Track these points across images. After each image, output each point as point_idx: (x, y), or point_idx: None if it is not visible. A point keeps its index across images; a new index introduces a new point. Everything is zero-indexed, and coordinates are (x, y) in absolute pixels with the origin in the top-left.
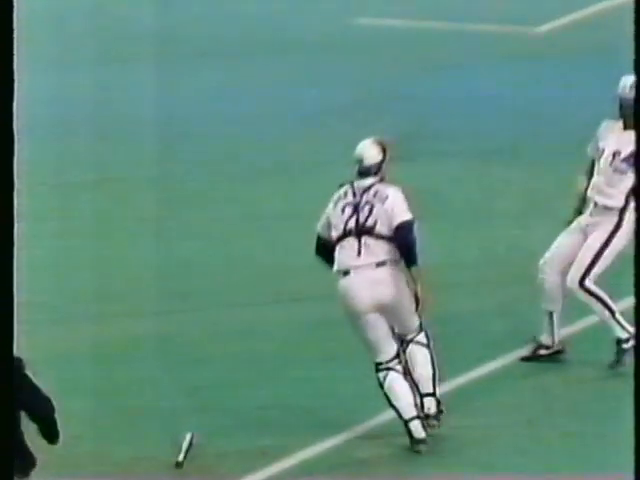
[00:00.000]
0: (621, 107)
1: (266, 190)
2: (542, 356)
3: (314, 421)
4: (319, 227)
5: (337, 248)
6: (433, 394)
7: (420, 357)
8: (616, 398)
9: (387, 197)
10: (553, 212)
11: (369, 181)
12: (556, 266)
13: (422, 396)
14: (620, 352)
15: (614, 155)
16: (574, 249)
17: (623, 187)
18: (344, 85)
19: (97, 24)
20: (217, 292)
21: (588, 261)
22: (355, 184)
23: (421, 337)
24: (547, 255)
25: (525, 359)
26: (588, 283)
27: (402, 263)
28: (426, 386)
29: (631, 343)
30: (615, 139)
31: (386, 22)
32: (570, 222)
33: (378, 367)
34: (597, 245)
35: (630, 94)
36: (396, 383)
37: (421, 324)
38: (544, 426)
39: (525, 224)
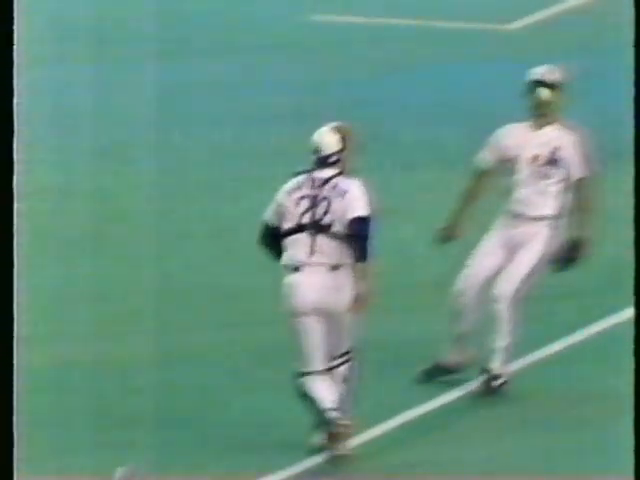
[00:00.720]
0: (531, 104)
1: (201, 206)
2: (451, 372)
3: (261, 452)
4: (267, 215)
5: (287, 241)
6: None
7: (337, 385)
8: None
9: (346, 192)
10: None
11: (329, 173)
12: (478, 288)
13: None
14: (489, 382)
15: (533, 161)
16: (497, 268)
17: (551, 193)
18: (296, 88)
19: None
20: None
21: (522, 275)
22: (313, 174)
23: (342, 369)
24: (466, 278)
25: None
26: (517, 300)
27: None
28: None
29: (500, 381)
30: (528, 143)
31: (343, 19)
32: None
33: (301, 374)
34: (532, 258)
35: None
36: (317, 384)
37: (349, 352)
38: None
39: None
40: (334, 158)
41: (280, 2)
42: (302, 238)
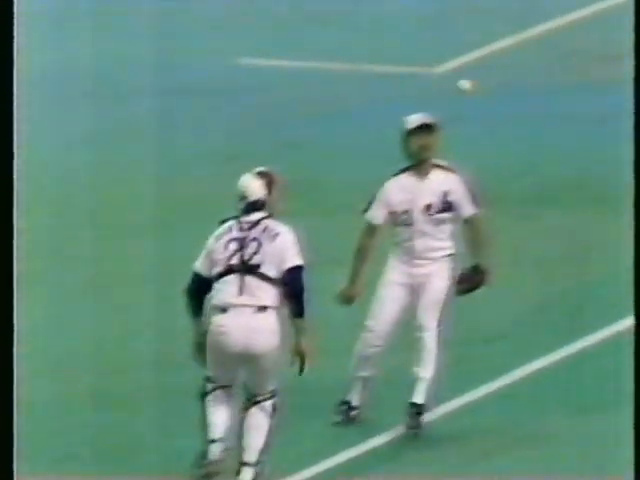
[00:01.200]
0: (411, 151)
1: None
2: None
3: None
4: (197, 264)
5: (217, 285)
6: (254, 464)
7: (256, 424)
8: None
9: (277, 235)
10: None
11: (257, 216)
12: (385, 333)
13: (242, 464)
14: (416, 416)
15: (426, 210)
16: (403, 311)
17: (447, 235)
18: (226, 130)
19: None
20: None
21: (440, 304)
22: (241, 219)
23: (268, 404)
24: (373, 324)
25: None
26: (439, 329)
27: (283, 312)
28: (249, 455)
29: (425, 415)
30: (418, 194)
31: (274, 63)
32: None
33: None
34: (442, 289)
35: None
36: (219, 403)
37: (275, 390)
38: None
39: None
40: (260, 203)
41: (207, 45)
42: (231, 279)
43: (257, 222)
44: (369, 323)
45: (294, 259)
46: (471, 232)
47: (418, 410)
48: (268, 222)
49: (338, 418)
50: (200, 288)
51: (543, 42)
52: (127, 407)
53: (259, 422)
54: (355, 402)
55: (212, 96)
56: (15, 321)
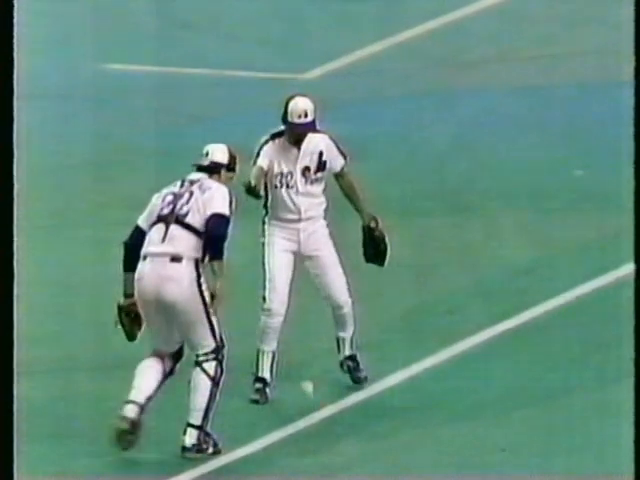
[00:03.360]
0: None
1: None
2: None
3: None
4: (140, 218)
5: (148, 234)
6: (198, 427)
7: (197, 385)
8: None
9: (210, 189)
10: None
11: (200, 175)
12: (283, 303)
13: (187, 425)
14: (356, 367)
15: (304, 172)
16: (292, 274)
17: (321, 192)
18: (91, 138)
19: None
20: None
21: (343, 274)
22: (186, 177)
23: (208, 366)
24: (272, 297)
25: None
26: (352, 300)
27: (203, 265)
28: (193, 416)
29: (358, 360)
30: (296, 158)
31: (141, 69)
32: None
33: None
34: (336, 258)
35: (301, 120)
36: (148, 366)
37: (217, 348)
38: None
39: None
40: (213, 167)
41: (77, 50)
42: (157, 228)
43: (198, 180)
44: (266, 297)
45: (220, 208)
46: (345, 183)
47: (354, 361)
48: (207, 180)
49: (256, 397)
50: (137, 241)
51: (411, 48)
52: None
53: (199, 383)
54: (269, 377)
55: (76, 101)
56: (15, 324)
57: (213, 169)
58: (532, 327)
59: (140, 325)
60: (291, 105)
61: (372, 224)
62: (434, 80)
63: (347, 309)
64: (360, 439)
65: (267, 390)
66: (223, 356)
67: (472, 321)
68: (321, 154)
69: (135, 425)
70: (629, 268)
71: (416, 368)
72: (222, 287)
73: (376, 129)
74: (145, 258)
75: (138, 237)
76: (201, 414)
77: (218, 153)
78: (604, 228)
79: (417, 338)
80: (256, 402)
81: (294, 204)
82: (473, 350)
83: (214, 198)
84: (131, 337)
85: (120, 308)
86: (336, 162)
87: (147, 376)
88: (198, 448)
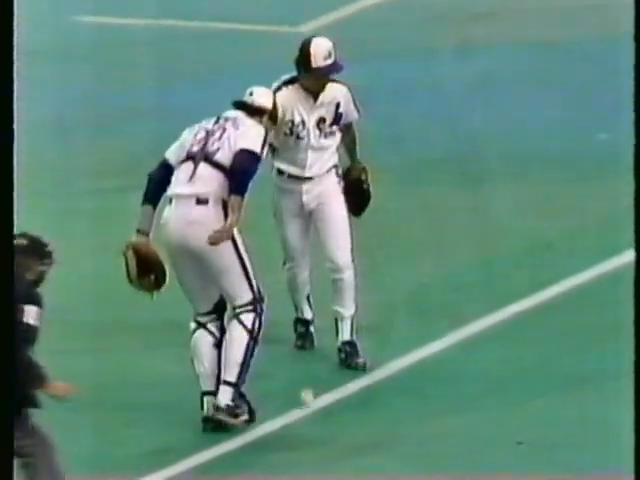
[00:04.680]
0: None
1: None
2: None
3: None
4: (168, 150)
5: (175, 172)
6: (233, 385)
7: (235, 338)
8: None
9: (243, 125)
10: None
11: (238, 113)
12: (304, 261)
13: (222, 382)
14: (354, 352)
15: (318, 124)
16: (308, 233)
17: (333, 147)
18: (65, 97)
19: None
20: None
21: (348, 236)
22: (223, 114)
23: (246, 318)
24: (290, 263)
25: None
26: (355, 264)
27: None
28: (228, 373)
29: (357, 346)
30: (312, 108)
31: (116, 21)
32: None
33: (194, 318)
34: (344, 217)
35: (327, 62)
36: (202, 345)
37: (255, 299)
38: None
39: None
40: (254, 110)
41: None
42: (186, 166)
43: (234, 117)
44: (287, 263)
45: (252, 145)
46: (350, 136)
47: (352, 347)
48: (243, 117)
49: (299, 343)
50: (162, 174)
51: (410, 1)
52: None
53: (236, 336)
54: (310, 316)
55: (48, 57)
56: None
57: (254, 111)
58: (550, 306)
59: (146, 274)
60: (313, 48)
61: (362, 176)
62: (445, 33)
63: (347, 275)
64: (362, 428)
65: (310, 329)
66: (262, 310)
67: (482, 300)
68: (338, 105)
69: (230, 409)
70: None
71: (422, 352)
72: (232, 225)
73: (378, 87)
74: (171, 202)
75: (163, 172)
76: (236, 370)
77: (263, 96)
78: (630, 199)
79: (423, 319)
80: (301, 347)
81: (300, 157)
82: (484, 332)
83: (247, 134)
84: (131, 280)
85: (127, 245)
86: (351, 116)
87: (206, 356)
88: (232, 411)
